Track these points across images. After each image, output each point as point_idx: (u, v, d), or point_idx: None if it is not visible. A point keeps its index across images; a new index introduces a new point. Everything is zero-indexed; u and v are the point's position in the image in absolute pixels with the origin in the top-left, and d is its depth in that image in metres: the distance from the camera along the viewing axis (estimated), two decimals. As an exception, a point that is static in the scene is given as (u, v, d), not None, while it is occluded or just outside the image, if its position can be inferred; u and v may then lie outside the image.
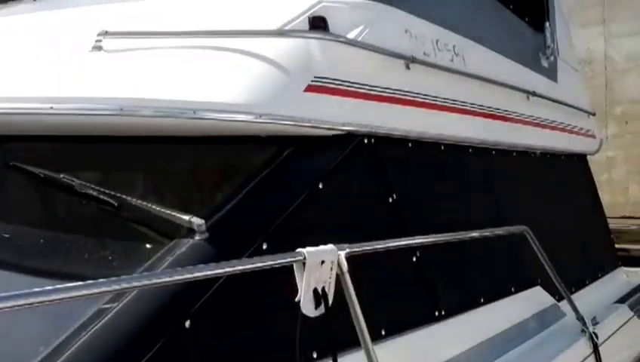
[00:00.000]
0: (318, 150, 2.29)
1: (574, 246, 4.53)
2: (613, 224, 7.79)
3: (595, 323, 3.51)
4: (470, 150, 3.22)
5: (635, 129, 9.82)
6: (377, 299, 2.33)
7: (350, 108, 2.38)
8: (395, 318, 2.48)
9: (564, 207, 4.59)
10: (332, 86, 2.29)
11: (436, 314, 2.64)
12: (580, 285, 4.24)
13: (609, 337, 3.61)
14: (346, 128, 2.33)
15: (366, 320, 1.89)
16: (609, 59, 10.04)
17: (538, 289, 3.52)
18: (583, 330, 3.35)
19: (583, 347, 3.29)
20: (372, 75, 2.51)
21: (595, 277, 4.54)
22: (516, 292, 3.27)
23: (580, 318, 3.34)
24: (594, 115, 5.18)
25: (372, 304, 2.06)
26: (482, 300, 2.97)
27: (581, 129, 4.92)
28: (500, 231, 2.80)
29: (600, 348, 3.45)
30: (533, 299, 3.41)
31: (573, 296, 4.09)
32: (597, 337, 3.32)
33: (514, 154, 3.74)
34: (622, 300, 4.40)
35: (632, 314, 4.23)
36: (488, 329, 2.96)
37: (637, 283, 5.23)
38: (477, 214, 3.16)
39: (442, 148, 2.98)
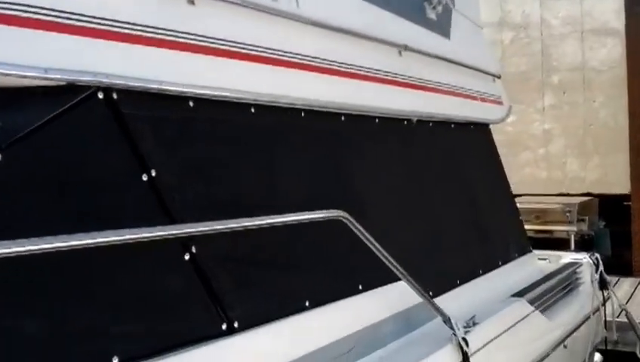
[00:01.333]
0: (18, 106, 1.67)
1: (471, 230, 3.99)
2: (544, 202, 7.34)
3: (470, 324, 2.96)
4: (302, 114, 2.63)
5: (572, 99, 9.36)
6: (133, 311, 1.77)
7: (71, 48, 1.75)
8: (172, 332, 1.91)
9: (456, 184, 4.04)
10: (18, 13, 1.65)
11: (224, 327, 2.05)
12: (473, 274, 3.70)
13: (492, 340, 3.06)
14: (57, 77, 1.70)
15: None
16: (545, 23, 9.54)
17: (402, 285, 2.96)
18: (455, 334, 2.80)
19: (449, 356, 2.73)
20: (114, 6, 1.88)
21: (494, 265, 4.00)
22: (365, 290, 2.70)
23: (447, 320, 2.78)
24: (499, 77, 4.63)
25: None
26: (307, 304, 2.39)
27: (483, 94, 4.37)
28: (312, 215, 2.20)
29: (477, 355, 2.92)
30: (393, 298, 2.84)
31: (467, 286, 3.58)
32: (467, 344, 2.76)
33: (376, 120, 3.16)
34: (524, 291, 3.86)
35: (531, 309, 3.70)
36: (317, 337, 2.40)
37: (551, 269, 4.74)
38: (299, 197, 2.57)
39: (252, 110, 2.37)
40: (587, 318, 4.61)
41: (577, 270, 4.99)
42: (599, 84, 9.29)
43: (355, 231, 2.26)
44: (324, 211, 2.20)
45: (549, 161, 9.46)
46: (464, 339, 2.75)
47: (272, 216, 2.08)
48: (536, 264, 4.70)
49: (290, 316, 2.30)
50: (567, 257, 5.37)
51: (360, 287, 2.68)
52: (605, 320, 5.24)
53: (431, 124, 3.64)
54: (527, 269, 4.40)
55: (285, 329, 2.26)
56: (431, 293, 3.18)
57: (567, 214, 5.90)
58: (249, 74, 2.39)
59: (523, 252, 4.53)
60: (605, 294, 5.16)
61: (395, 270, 2.49)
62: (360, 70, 3.04)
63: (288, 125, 2.61)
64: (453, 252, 3.65)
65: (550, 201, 6.32)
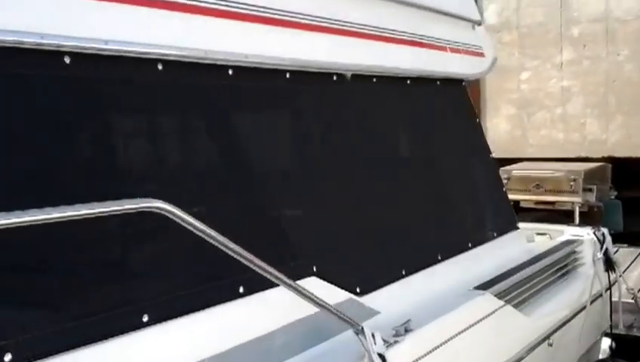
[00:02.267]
0: None
1: (431, 206, 3.38)
2: (547, 169, 6.60)
3: (400, 332, 2.36)
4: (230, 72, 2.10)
5: (594, 53, 8.57)
6: None
7: None
8: None
9: (413, 150, 3.42)
10: None
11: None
12: (427, 261, 3.09)
13: (429, 352, 2.46)
14: None
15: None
16: (564, -32, 8.75)
17: (313, 281, 2.38)
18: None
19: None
20: None
21: (461, 248, 3.38)
22: (249, 293, 2.11)
23: (359, 331, 2.17)
24: (479, 24, 3.95)
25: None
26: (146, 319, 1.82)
27: (455, 44, 3.70)
28: (116, 207, 1.60)
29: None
30: (293, 302, 2.25)
31: (415, 278, 2.98)
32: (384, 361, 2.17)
33: (303, 77, 2.54)
34: (494, 281, 3.24)
35: (498, 303, 3.09)
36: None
37: (542, 250, 4.11)
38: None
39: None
40: (583, 308, 3.98)
41: (577, 249, 4.34)
42: (624, 35, 8.49)
43: (182, 223, 1.66)
44: (134, 201, 1.60)
45: (566, 121, 8.72)
46: (381, 357, 2.15)
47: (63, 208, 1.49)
48: (522, 244, 4.06)
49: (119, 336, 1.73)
50: (568, 232, 4.73)
51: (241, 290, 2.10)
52: (611, 305, 4.60)
53: (374, 80, 3.01)
54: (509, 251, 3.77)
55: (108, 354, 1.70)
56: (359, 289, 2.59)
57: (572, 183, 5.24)
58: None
59: (505, 230, 3.89)
60: (612, 276, 4.52)
61: (255, 267, 1.88)
62: (287, 17, 2.45)
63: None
64: (402, 233, 3.04)
65: (555, 168, 5.65)
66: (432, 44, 3.45)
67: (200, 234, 1.71)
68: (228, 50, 2.20)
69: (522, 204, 5.84)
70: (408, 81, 3.26)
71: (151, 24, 1.98)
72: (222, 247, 1.77)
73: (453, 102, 3.77)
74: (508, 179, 5.50)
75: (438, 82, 3.52)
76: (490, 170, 4.04)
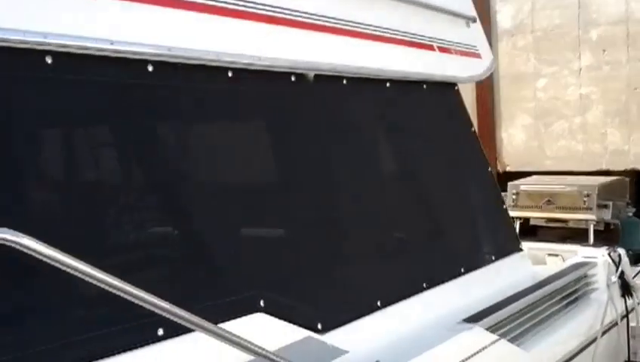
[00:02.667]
0: None
1: (420, 226, 2.99)
2: (559, 184, 6.21)
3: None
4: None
5: (614, 58, 8.12)
6: None
7: None
8: None
9: (403, 164, 3.04)
10: None
11: None
12: (410, 290, 2.70)
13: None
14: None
15: None
16: (582, -32, 8.32)
17: (259, 318, 2.01)
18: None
19: None
20: None
21: (450, 275, 2.99)
22: (167, 337, 1.74)
23: None
24: (474, 20, 3.55)
25: None
26: None
27: (446, 43, 3.32)
28: None
29: None
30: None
31: (391, 310, 2.58)
32: None
33: (290, 77, 2.20)
34: (487, 312, 2.84)
35: (491, 338, 2.69)
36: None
37: (549, 274, 3.69)
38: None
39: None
40: (594, 339, 3.56)
41: (588, 272, 3.92)
42: (647, 39, 8.07)
43: (33, 253, 1.30)
44: None
45: (586, 131, 8.26)
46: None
47: None
48: (526, 268, 3.64)
49: None
50: (582, 254, 4.33)
51: (160, 333, 1.72)
52: (629, 334, 4.17)
53: (345, 82, 2.63)
54: (509, 276, 3.35)
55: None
56: (320, 326, 2.21)
57: (585, 199, 4.80)
58: None
59: (505, 252, 3.48)
60: (629, 302, 4.09)
61: (153, 308, 1.50)
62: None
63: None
64: (377, 257, 2.65)
65: (567, 183, 5.21)
66: (416, 42, 3.06)
67: (67, 269, 1.34)
68: (146, 42, 1.84)
69: (533, 222, 5.45)
70: (388, 84, 2.87)
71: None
72: (104, 286, 1.41)
73: (443, 109, 3.37)
74: (516, 194, 5.12)
75: (425, 85, 3.14)
76: (488, 185, 3.63)
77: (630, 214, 5.04)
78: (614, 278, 3.91)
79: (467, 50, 3.47)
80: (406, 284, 2.67)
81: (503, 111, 8.70)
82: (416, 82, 3.05)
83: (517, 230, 5.21)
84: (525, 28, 8.46)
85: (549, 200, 4.97)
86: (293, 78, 2.37)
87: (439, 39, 3.23)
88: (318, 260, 2.32)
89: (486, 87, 8.72)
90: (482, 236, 3.51)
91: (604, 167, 8.16)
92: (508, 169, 8.76)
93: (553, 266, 4.04)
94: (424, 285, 2.76)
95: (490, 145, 8.78)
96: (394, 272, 2.67)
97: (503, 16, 8.54)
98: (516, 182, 5.42)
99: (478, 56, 3.53)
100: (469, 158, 3.50)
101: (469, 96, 8.74)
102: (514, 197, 5.08)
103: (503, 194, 4.81)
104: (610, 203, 4.83)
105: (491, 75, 8.73)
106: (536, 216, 5.14)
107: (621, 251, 4.22)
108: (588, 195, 4.85)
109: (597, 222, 4.88)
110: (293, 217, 2.28)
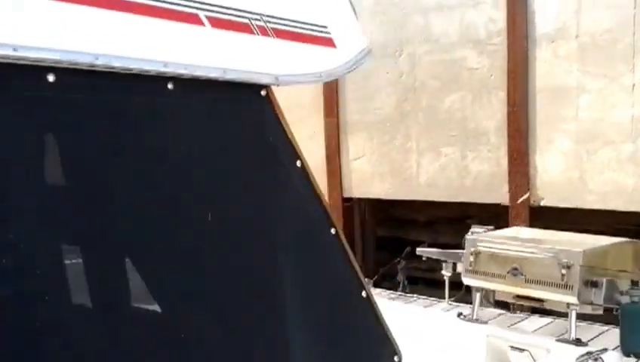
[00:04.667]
0: None
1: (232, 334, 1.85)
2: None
3: None
4: None
5: (676, 71, 6.60)
6: None
7: None
8: None
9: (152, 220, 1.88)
10: None
11: None
12: None
13: None
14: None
15: None
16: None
17: None
18: None
19: None
20: None
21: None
22: None
23: None
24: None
25: None
26: None
27: (271, 20, 2.12)
28: None
29: None
30: None
31: None
32: None
33: None
34: None
35: None
36: None
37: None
38: None
39: None
40: None
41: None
42: None
43: None
44: None
45: (638, 162, 6.77)
46: None
47: None
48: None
49: None
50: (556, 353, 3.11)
51: None
52: None
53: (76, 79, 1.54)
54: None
55: None
56: None
57: (564, 272, 3.36)
58: None
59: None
60: None
61: None
62: None
63: None
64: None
65: (544, 246, 3.70)
66: (186, 15, 1.90)
67: None
68: None
69: (499, 297, 4.12)
70: (128, 80, 1.74)
71: None
72: None
73: (247, 128, 2.18)
74: (476, 255, 3.74)
75: (216, 91, 1.97)
76: (329, 254, 2.37)
77: (635, 299, 3.37)
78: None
79: (305, 32, 2.25)
80: None
81: (538, 133, 7.31)
82: (183, 80, 1.87)
83: (477, 302, 3.89)
84: (569, 32, 7.04)
85: (515, 269, 3.57)
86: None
87: (242, 11, 2.04)
88: None
89: (519, 103, 7.35)
90: (310, 347, 2.28)
91: (658, 208, 6.67)
92: (543, 203, 7.35)
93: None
94: None
95: (521, 172, 7.40)
96: None
97: (543, 17, 7.16)
98: (478, 235, 4.06)
99: (327, 43, 2.30)
100: (286, 211, 2.27)
101: (497, 112, 7.39)
102: (472, 258, 3.76)
103: (460, 252, 3.59)
104: (604, 280, 3.31)
105: (526, 88, 7.39)
106: (499, 289, 3.76)
107: (614, 355, 2.96)
108: (568, 267, 3.36)
109: (578, 306, 3.39)
110: None
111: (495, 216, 7.47)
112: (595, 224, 8.15)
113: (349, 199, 8.81)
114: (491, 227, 8.10)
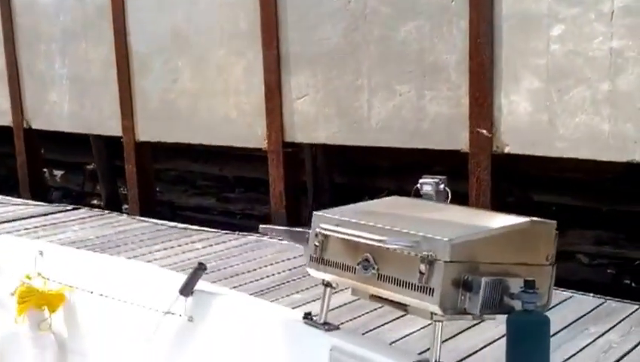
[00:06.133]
0: None
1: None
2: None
3: None
4: None
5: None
6: None
7: None
8: None
9: None
10: None
11: None
12: None
13: None
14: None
15: None
16: None
17: None
18: None
19: None
20: None
21: None
22: None
23: None
24: None
25: None
26: None
27: None
28: None
29: None
30: None
31: None
32: None
33: None
34: None
35: None
36: None
37: None
38: None
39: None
40: None
41: None
42: None
43: None
44: None
45: (615, 104, 5.89)
46: None
47: None
48: None
49: None
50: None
51: None
52: None
53: None
54: None
55: None
56: None
57: (422, 267, 2.30)
58: None
59: None
60: None
61: None
62: None
63: None
64: None
65: (409, 223, 2.52)
66: None
67: None
68: None
69: (353, 294, 3.01)
70: None
71: None
72: None
73: None
74: (323, 239, 2.48)
75: None
76: None
77: (532, 306, 2.18)
78: None
79: None
80: None
81: (504, 69, 6.40)
82: None
83: (326, 300, 2.81)
84: (540, -51, 6.08)
85: (366, 261, 2.44)
86: None
87: None
88: None
89: (483, 33, 6.42)
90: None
91: (637, 157, 5.81)
92: (507, 150, 6.49)
93: None
94: None
95: (484, 115, 6.52)
96: None
97: None
98: (326, 212, 2.75)
99: None
100: None
101: (459, 44, 6.46)
102: (317, 242, 2.60)
103: (307, 231, 2.66)
104: (482, 280, 2.13)
105: (491, 16, 6.44)
106: (348, 285, 2.59)
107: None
108: (430, 262, 2.20)
109: (442, 315, 2.24)
110: None
111: (463, 164, 6.64)
112: (567, 173, 7.29)
113: (292, 144, 7.90)
114: (444, 177, 7.25)
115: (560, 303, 5.34)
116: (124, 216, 9.29)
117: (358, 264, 2.34)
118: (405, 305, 2.32)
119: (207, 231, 8.17)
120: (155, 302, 2.89)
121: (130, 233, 8.28)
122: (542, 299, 2.21)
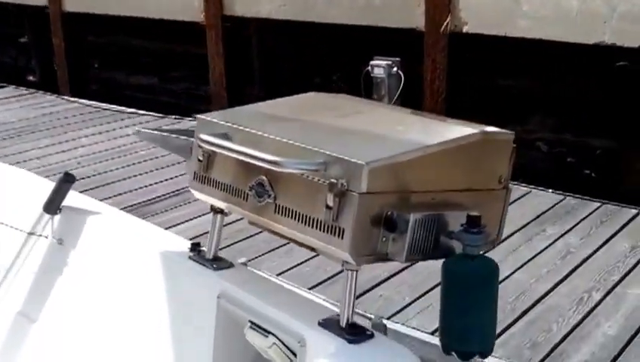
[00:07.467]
0: None
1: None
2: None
3: None
4: None
5: None
6: None
7: None
8: None
9: None
10: None
11: None
12: None
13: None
14: None
15: None
16: None
17: None
18: None
19: None
20: None
21: None
22: None
23: None
24: None
25: None
26: None
27: None
28: None
29: None
30: None
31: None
32: None
33: None
34: None
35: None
36: None
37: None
38: None
39: None
40: None
41: None
42: None
43: None
44: None
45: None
46: None
47: None
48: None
49: None
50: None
51: None
52: None
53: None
54: None
55: None
56: None
57: (330, 201, 1.71)
58: None
59: None
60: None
61: None
62: None
63: None
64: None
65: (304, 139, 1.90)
66: None
67: None
68: None
69: (249, 224, 2.27)
70: None
71: None
72: None
73: None
74: (208, 154, 1.78)
75: None
76: None
77: (475, 249, 1.65)
78: None
79: None
80: None
81: None
82: None
83: (216, 232, 2.07)
84: None
85: (260, 185, 1.70)
86: None
87: None
88: None
89: None
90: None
91: (606, 39, 5.27)
92: (465, 29, 5.90)
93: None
94: None
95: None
96: None
97: None
98: (216, 115, 1.97)
99: None
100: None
101: None
102: (201, 157, 1.80)
103: (190, 140, 2.04)
104: (410, 216, 1.57)
105: None
106: (240, 213, 1.83)
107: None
108: (341, 193, 1.49)
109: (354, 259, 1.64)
110: None
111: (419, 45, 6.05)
112: (528, 57, 6.71)
113: (232, 18, 7.19)
114: (397, 59, 6.69)
115: (517, 199, 4.92)
116: (54, 97, 8.58)
117: (250, 189, 1.78)
118: (312, 247, 1.78)
119: (143, 114, 7.56)
120: (17, 220, 2.36)
121: (56, 115, 7.64)
122: (489, 236, 1.68)
